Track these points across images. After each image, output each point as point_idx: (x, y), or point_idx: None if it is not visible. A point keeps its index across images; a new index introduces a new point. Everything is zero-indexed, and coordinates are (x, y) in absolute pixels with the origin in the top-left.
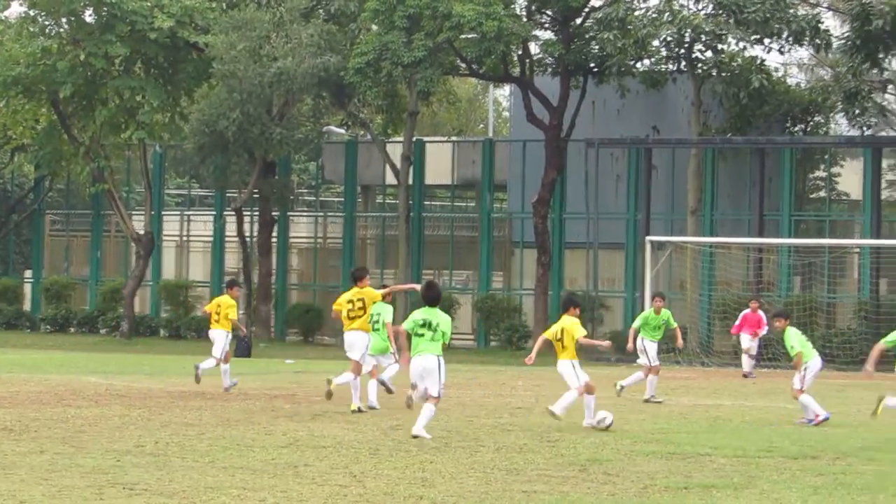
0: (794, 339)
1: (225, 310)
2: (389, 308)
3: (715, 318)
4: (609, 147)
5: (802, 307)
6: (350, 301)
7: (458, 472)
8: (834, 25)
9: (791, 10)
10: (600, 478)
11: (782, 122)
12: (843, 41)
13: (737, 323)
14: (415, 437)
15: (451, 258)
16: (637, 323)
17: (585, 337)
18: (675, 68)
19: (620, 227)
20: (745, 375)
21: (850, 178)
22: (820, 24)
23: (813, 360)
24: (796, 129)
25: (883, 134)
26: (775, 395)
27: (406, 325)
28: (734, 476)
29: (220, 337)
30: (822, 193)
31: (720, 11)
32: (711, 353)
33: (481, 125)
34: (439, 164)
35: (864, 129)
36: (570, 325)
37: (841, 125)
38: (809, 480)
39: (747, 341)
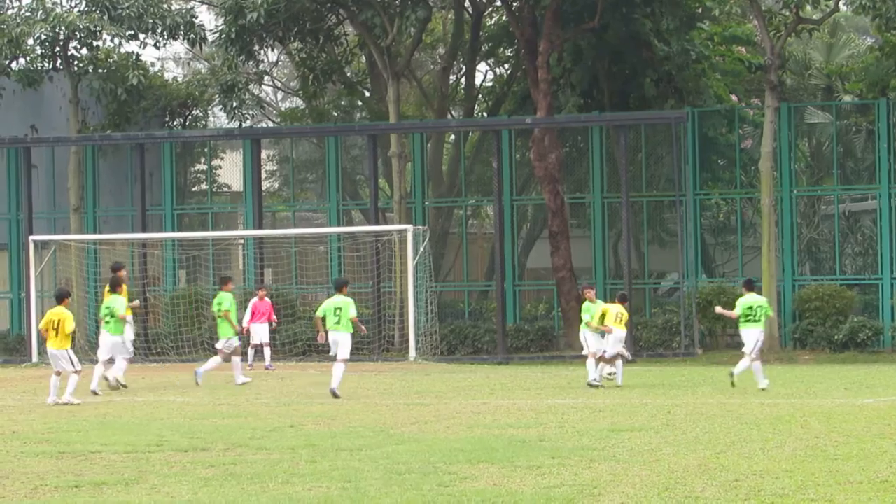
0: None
1: None
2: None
3: None
4: None
5: (189, 300)
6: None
7: None
8: (209, 19)
9: (165, 5)
10: None
11: (161, 116)
12: (218, 35)
13: (248, 315)
14: None
15: None
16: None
17: None
18: (51, 66)
19: (3, 228)
20: (266, 368)
21: (230, 169)
22: (195, 19)
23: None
24: (175, 123)
25: (262, 125)
26: (165, 389)
27: None
28: (125, 472)
29: None
30: (204, 186)
31: (94, 8)
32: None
33: None
34: None
35: (243, 121)
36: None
37: (220, 118)
38: (200, 472)
39: (261, 332)
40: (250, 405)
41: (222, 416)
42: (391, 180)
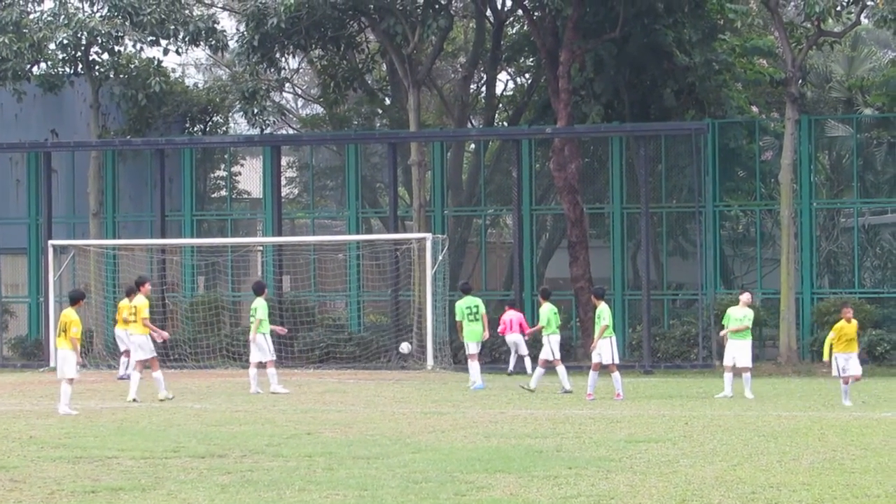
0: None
1: None
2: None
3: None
4: (8, 152)
5: (208, 306)
6: None
7: None
8: (230, 26)
9: (187, 11)
10: (7, 485)
11: (182, 122)
12: (239, 41)
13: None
14: None
15: None
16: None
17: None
18: (72, 71)
19: (22, 232)
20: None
21: (250, 176)
22: (216, 25)
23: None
24: (196, 129)
25: (282, 132)
26: (182, 395)
27: None
28: (141, 477)
29: None
30: (224, 192)
31: (116, 14)
32: (118, 356)
33: None
34: None
35: (263, 127)
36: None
37: (240, 124)
38: (217, 479)
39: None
40: (267, 412)
41: (239, 423)
42: (411, 188)
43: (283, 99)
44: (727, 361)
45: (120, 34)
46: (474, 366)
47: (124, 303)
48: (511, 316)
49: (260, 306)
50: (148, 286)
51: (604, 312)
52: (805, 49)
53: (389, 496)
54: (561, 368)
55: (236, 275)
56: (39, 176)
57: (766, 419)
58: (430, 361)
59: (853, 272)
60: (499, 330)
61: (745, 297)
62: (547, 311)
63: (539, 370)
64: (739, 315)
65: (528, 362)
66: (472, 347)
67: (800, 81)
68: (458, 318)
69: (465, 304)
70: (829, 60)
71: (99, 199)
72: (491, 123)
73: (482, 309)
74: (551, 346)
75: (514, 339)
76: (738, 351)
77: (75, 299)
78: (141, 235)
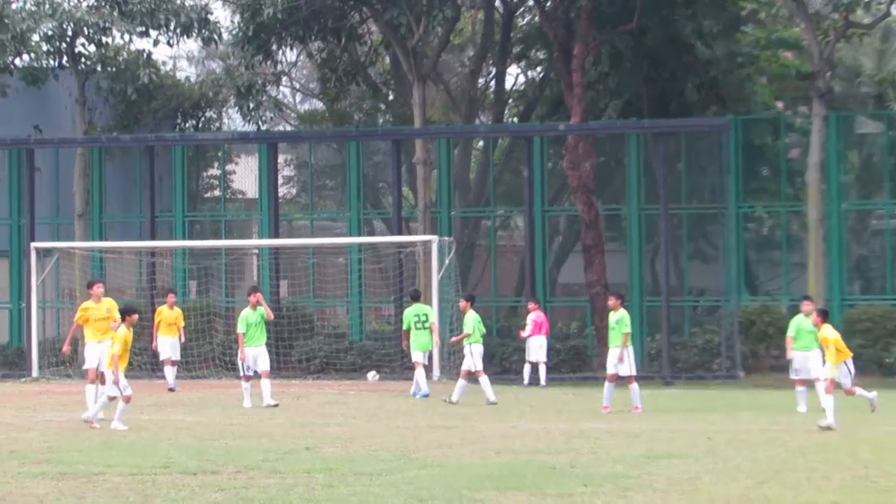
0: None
1: None
2: None
3: None
4: None
5: (200, 312)
6: None
7: None
8: (225, 16)
9: (178, 1)
10: None
11: (173, 117)
12: (234, 33)
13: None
14: None
15: None
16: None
17: None
18: (56, 64)
19: (4, 234)
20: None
21: (245, 175)
22: (209, 15)
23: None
24: (187, 124)
25: (279, 129)
26: (173, 407)
27: None
28: (129, 495)
29: None
30: (217, 192)
31: (104, 3)
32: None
33: None
34: None
35: (259, 123)
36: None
37: (235, 120)
38: (209, 496)
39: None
40: (263, 426)
41: (234, 437)
42: (415, 188)
43: (280, 94)
44: (805, 375)
45: (107, 25)
46: (420, 372)
47: (163, 309)
48: (540, 318)
49: (239, 320)
50: (98, 287)
51: (626, 319)
52: (833, 41)
53: None
54: (484, 379)
55: (230, 279)
56: (22, 174)
57: (793, 434)
58: (436, 372)
59: (885, 277)
60: (527, 333)
61: (811, 306)
62: (471, 318)
63: (461, 382)
64: (811, 326)
65: (543, 370)
66: (416, 356)
67: (827, 75)
68: (405, 327)
69: (413, 311)
70: (859, 53)
71: (85, 199)
72: (500, 120)
73: (431, 317)
74: (473, 355)
75: (541, 342)
76: (815, 363)
77: (122, 315)
78: (129, 237)
